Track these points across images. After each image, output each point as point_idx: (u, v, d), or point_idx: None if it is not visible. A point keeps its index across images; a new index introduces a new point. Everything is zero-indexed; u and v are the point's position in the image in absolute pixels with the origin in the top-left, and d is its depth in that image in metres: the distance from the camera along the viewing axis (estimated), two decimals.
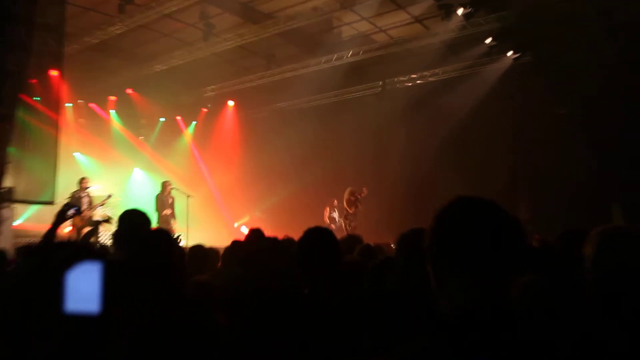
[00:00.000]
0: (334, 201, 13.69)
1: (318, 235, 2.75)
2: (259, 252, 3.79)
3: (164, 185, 12.04)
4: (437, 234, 1.36)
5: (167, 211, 11.78)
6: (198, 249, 4.87)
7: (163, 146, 16.64)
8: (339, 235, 3.51)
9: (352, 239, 5.03)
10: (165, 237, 2.70)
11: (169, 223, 11.64)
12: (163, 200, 11.83)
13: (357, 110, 14.94)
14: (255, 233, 4.68)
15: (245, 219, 16.69)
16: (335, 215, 13.65)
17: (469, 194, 1.40)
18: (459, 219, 1.33)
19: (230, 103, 17.18)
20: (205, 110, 17.29)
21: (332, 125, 15.28)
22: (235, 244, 4.76)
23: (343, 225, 12.89)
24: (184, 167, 16.63)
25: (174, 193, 12.16)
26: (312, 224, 2.90)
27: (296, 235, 4.48)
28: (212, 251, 5.22)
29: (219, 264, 5.18)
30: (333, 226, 12.96)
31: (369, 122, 14.80)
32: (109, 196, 11.81)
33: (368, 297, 2.67)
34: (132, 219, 3.22)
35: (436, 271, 1.34)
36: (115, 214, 14.75)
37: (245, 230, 16.69)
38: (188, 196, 12.24)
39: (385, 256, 3.60)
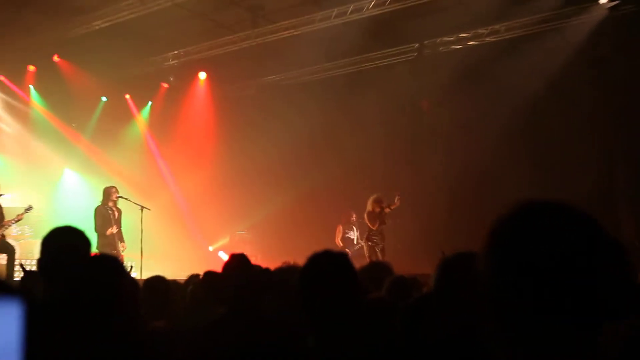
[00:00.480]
0: (351, 215, 13.75)
1: (328, 263, 2.79)
2: (245, 288, 3.82)
3: (107, 193, 12.13)
4: (496, 257, 1.36)
5: (112, 229, 11.88)
6: (157, 282, 4.93)
7: (105, 137, 16.77)
8: (358, 264, 3.52)
9: (378, 268, 5.09)
10: (110, 266, 2.72)
11: (114, 246, 11.77)
12: (105, 214, 11.91)
13: (383, 84, 14.98)
14: (238, 260, 4.72)
15: (224, 241, 16.82)
16: (353, 234, 13.69)
17: (544, 198, 1.40)
18: (528, 235, 1.34)
19: (202, 75, 17.30)
20: (165, 85, 17.43)
21: (348, 106, 15.39)
22: (209, 276, 4.79)
23: (365, 248, 12.88)
24: (135, 167, 16.77)
25: (121, 204, 12.25)
26: (319, 247, 2.93)
27: (299, 261, 4.53)
28: (176, 286, 5.27)
29: (185, 304, 5.22)
30: (349, 251, 13.00)
31: (399, 101, 14.83)
32: (29, 208, 11.91)
33: (398, 351, 2.67)
34: (62, 242, 3.23)
35: (495, 311, 1.36)
36: (38, 232, 14.85)
37: (224, 257, 16.83)
38: (142, 208, 12.34)
39: (424, 292, 3.64)
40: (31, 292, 4.21)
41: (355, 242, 13.58)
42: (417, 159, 15.00)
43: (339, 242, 13.46)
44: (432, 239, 13.10)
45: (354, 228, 13.74)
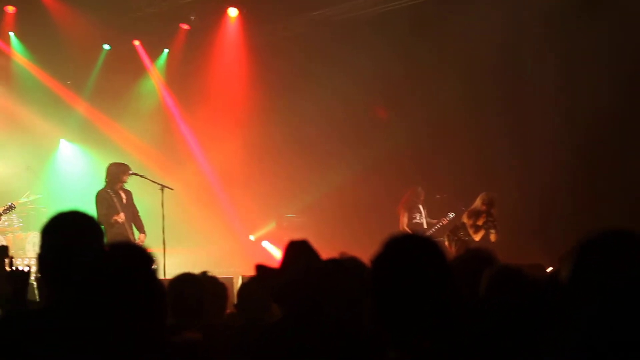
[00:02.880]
0: (418, 194, 13.89)
1: (414, 252, 2.75)
2: (311, 283, 3.87)
3: (115, 173, 12.06)
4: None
5: (120, 217, 11.92)
6: (187, 283, 5.01)
7: (110, 98, 16.99)
8: None
9: (475, 257, 5.07)
10: (136, 259, 2.80)
11: (127, 238, 11.62)
12: (109, 199, 11.97)
13: (473, 11, 14.73)
14: (299, 249, 4.77)
15: (269, 227, 16.98)
16: (421, 218, 13.84)
17: None
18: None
19: (232, 12, 17.25)
20: (185, 27, 17.41)
21: (430, 48, 15.21)
22: (262, 270, 4.86)
23: (448, 239, 12.89)
24: (151, 136, 17.02)
25: (133, 184, 12.39)
26: (387, 233, 2.90)
27: (359, 254, 4.53)
28: (212, 286, 5.36)
29: (230, 308, 5.30)
30: None
31: (494, 37, 14.60)
32: (8, 208, 12.27)
33: None
34: (69, 232, 3.25)
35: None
36: (29, 223, 15.05)
37: (270, 248, 17.08)
38: (163, 188, 12.42)
39: (537, 289, 3.66)
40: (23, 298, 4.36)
41: (425, 226, 13.68)
42: (521, 121, 14.78)
43: (405, 229, 13.46)
44: (546, 221, 13.10)
45: (422, 209, 13.82)
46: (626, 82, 13.01)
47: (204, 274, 5.37)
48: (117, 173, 12.08)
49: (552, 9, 13.94)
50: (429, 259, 2.72)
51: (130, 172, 12.23)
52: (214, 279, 5.50)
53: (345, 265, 4.26)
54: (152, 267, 2.88)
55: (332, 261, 4.29)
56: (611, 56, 13.38)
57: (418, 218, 13.85)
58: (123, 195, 12.11)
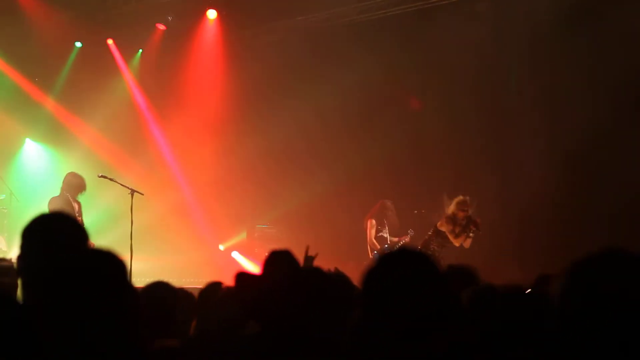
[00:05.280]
0: (387, 206, 13.90)
1: (412, 270, 2.76)
2: (293, 295, 3.83)
3: (73, 184, 12.03)
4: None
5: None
6: (161, 291, 4.96)
7: (80, 97, 16.93)
8: None
9: (457, 274, 5.18)
10: (110, 263, 2.79)
11: None
12: (67, 201, 11.86)
13: (457, 29, 14.83)
14: (279, 259, 4.75)
15: (240, 237, 16.99)
16: (386, 232, 13.84)
17: None
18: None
19: (211, 14, 17.26)
20: (162, 27, 17.43)
21: (407, 57, 15.28)
22: (242, 278, 4.86)
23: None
24: (122, 137, 16.90)
25: (105, 187, 12.41)
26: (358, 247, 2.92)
27: (331, 265, 4.46)
28: (184, 295, 5.31)
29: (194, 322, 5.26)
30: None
31: (475, 51, 14.68)
32: None
33: None
34: (51, 233, 3.26)
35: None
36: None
37: (240, 259, 17.02)
38: (133, 192, 12.30)
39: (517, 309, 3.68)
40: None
41: (388, 242, 13.72)
42: (500, 137, 14.88)
43: (373, 242, 13.56)
44: (529, 238, 13.23)
45: (385, 223, 13.84)
46: (608, 98, 13.17)
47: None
48: (75, 184, 12.02)
49: (536, 24, 14.12)
50: (427, 279, 2.75)
51: (100, 175, 12.28)
52: (184, 290, 5.50)
53: (329, 277, 4.24)
54: (125, 272, 2.88)
55: (316, 272, 4.27)
56: (593, 72, 13.48)
57: (383, 232, 13.85)
58: (76, 205, 12.07)
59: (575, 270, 2.48)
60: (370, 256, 13.29)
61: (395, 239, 13.68)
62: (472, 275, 5.35)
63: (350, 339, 3.33)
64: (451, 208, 12.85)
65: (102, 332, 2.63)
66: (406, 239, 13.60)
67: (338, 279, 4.41)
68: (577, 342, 2.33)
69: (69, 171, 12.32)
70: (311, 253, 6.27)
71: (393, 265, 2.79)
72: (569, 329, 2.38)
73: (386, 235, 13.74)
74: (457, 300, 4.29)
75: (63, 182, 12.04)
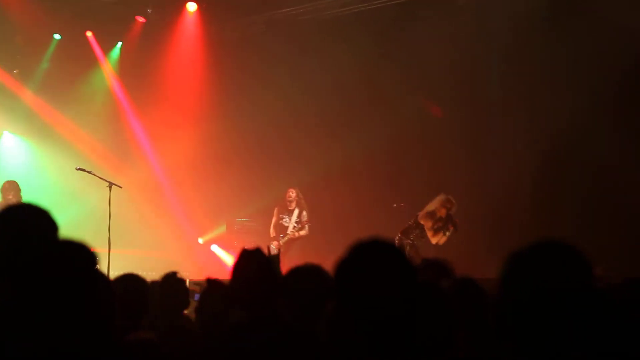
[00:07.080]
0: (289, 195, 14.41)
1: (383, 260, 2.80)
2: (264, 289, 3.92)
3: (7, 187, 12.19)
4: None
5: None
6: (131, 283, 5.04)
7: (59, 89, 16.86)
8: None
9: (432, 267, 5.17)
10: (85, 256, 2.81)
11: None
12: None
13: (437, 24, 14.88)
14: (251, 257, 4.80)
15: (219, 231, 16.94)
16: (288, 220, 14.32)
17: None
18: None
19: (191, 6, 17.19)
20: (141, 19, 17.34)
21: (391, 50, 15.34)
22: (212, 284, 4.93)
23: (399, 241, 13.09)
24: (100, 130, 16.87)
25: (83, 180, 12.42)
26: (351, 238, 2.96)
27: (310, 259, 4.49)
28: (175, 285, 5.43)
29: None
30: (277, 243, 14.05)
31: (455, 50, 14.74)
32: None
33: None
34: (19, 224, 3.27)
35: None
36: None
37: (219, 252, 17.04)
38: (111, 185, 12.27)
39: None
40: None
41: (289, 231, 14.14)
42: (479, 136, 15.01)
43: (271, 230, 14.22)
44: (501, 232, 13.27)
45: (289, 211, 14.41)
46: (586, 99, 13.27)
47: (174, 274, 5.43)
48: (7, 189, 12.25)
49: (516, 19, 14.11)
50: (394, 263, 2.79)
51: (77, 167, 12.29)
52: (176, 280, 5.54)
53: (301, 270, 4.30)
54: (96, 263, 2.90)
55: (291, 270, 4.33)
56: (573, 68, 13.64)
57: (285, 220, 14.24)
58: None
59: (511, 260, 2.65)
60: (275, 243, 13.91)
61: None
62: (446, 269, 5.34)
63: (326, 329, 3.35)
64: (434, 204, 12.97)
65: (74, 324, 2.67)
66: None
67: (310, 269, 4.43)
68: (514, 331, 2.46)
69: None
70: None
71: (364, 255, 2.82)
72: (507, 317, 2.51)
73: (287, 223, 14.25)
74: (437, 290, 4.33)
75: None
